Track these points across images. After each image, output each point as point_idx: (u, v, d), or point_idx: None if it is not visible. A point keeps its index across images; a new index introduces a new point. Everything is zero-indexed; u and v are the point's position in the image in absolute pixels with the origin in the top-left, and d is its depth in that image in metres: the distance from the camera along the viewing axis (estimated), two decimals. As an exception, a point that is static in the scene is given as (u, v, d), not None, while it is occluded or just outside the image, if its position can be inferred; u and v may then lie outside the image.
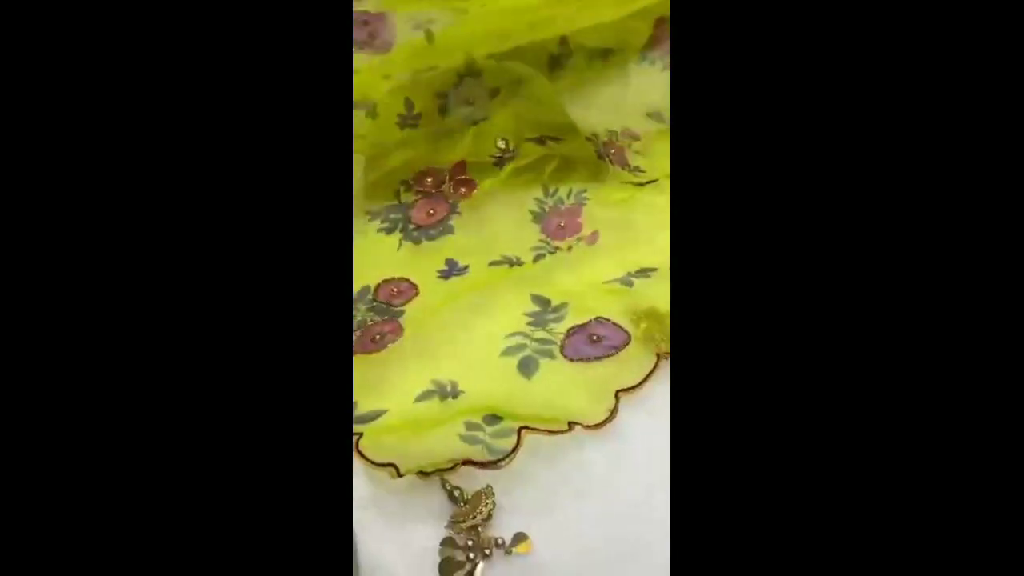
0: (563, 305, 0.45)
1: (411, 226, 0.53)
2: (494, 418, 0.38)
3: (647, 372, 0.40)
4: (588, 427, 0.38)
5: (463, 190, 0.54)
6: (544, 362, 0.42)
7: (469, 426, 0.38)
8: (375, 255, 0.51)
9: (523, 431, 0.37)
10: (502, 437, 0.37)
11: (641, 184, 0.52)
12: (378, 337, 0.45)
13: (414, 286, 0.48)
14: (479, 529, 0.34)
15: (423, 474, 0.36)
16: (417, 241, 0.52)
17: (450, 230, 0.52)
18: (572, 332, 0.43)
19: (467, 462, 0.36)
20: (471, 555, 0.33)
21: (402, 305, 0.47)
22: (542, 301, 0.46)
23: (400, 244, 0.52)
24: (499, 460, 0.36)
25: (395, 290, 0.48)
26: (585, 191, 0.53)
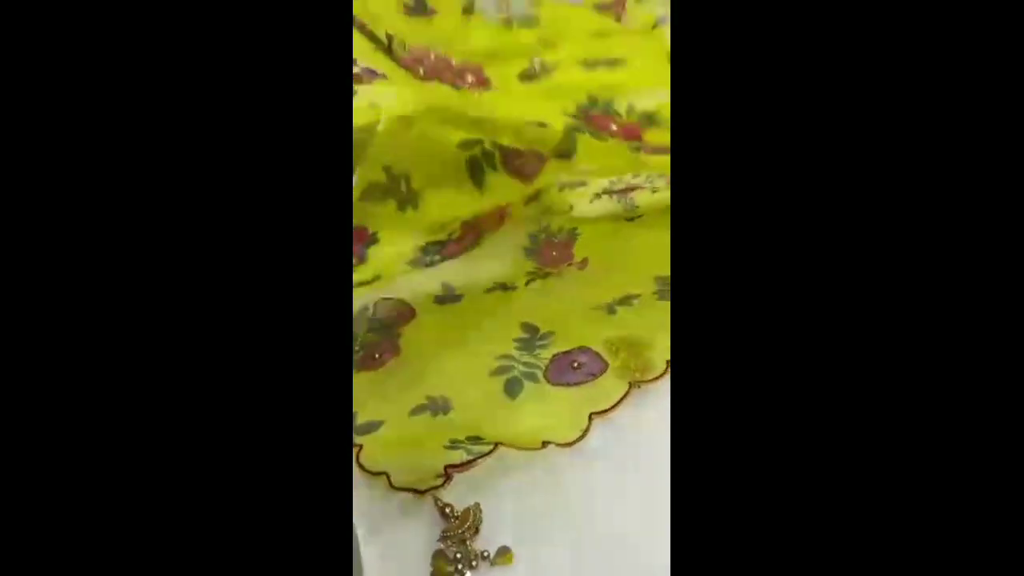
0: (550, 333, 0.49)
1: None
2: (476, 439, 0.42)
3: (619, 398, 0.44)
4: (560, 445, 0.42)
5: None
6: (528, 384, 0.46)
7: (453, 441, 0.42)
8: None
9: (499, 445, 0.42)
10: (480, 445, 0.42)
11: (630, 219, 0.56)
12: (377, 356, 0.49)
13: (412, 309, 0.52)
14: (467, 543, 0.38)
15: (417, 492, 0.40)
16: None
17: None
18: (556, 358, 0.47)
19: (448, 467, 0.40)
20: (459, 566, 0.38)
21: (400, 327, 0.51)
22: (531, 328, 0.50)
23: None
24: (475, 459, 0.41)
25: (395, 313, 0.52)
26: (576, 228, 0.56)
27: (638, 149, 0.50)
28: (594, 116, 0.50)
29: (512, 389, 0.45)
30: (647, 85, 0.52)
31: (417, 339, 0.50)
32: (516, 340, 0.49)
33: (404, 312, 0.52)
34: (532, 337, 0.49)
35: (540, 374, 0.46)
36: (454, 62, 0.50)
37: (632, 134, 0.50)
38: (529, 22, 0.55)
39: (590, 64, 0.53)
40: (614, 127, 0.50)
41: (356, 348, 0.50)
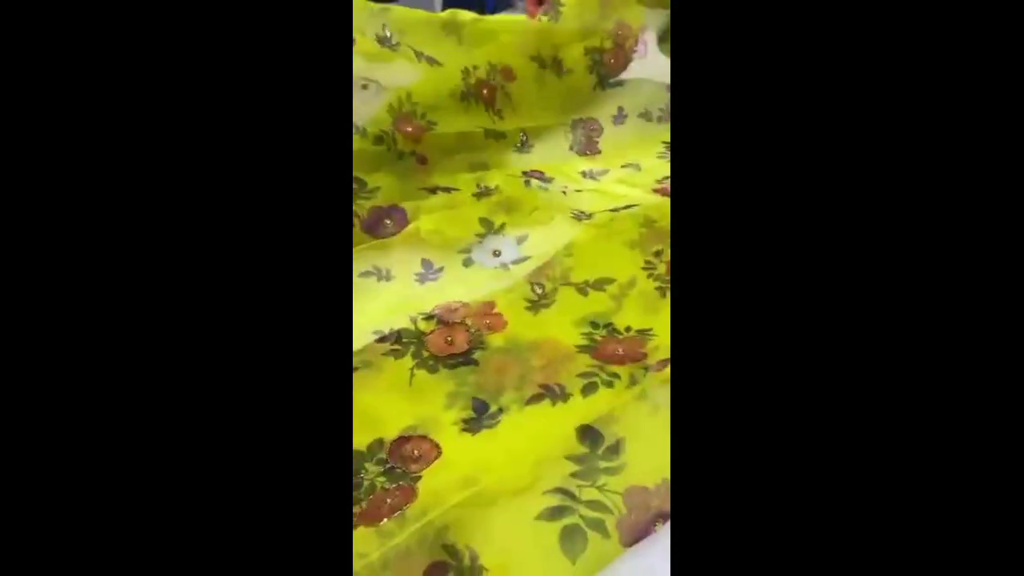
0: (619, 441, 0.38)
1: (425, 353, 0.47)
2: None
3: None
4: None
5: (488, 321, 0.49)
6: (595, 539, 0.34)
7: None
8: (384, 391, 0.45)
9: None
10: None
11: None
12: (387, 502, 0.38)
13: (436, 446, 0.41)
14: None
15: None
16: (434, 370, 0.46)
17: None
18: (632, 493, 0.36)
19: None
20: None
21: (420, 471, 0.39)
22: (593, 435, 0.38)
23: (412, 374, 0.45)
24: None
25: (415, 452, 0.41)
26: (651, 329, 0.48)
27: None
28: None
29: (571, 544, 0.34)
30: None
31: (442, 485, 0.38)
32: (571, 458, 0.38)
33: (426, 452, 0.41)
34: (593, 451, 0.38)
35: (611, 524, 0.35)
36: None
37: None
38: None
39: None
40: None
41: (360, 497, 0.39)
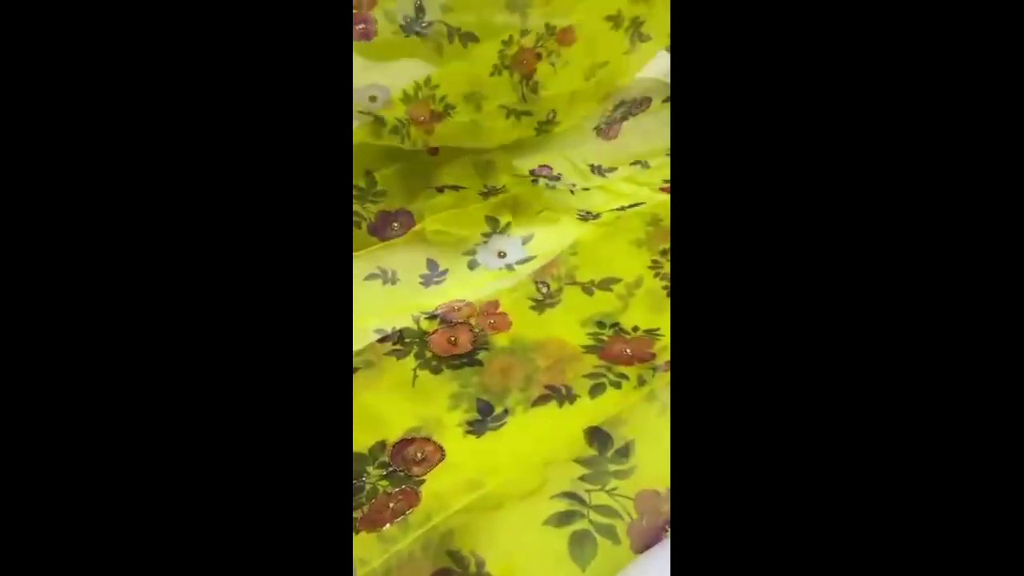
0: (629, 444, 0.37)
1: (428, 353, 0.46)
2: None
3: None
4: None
5: (492, 321, 0.48)
6: (605, 544, 0.33)
7: None
8: (386, 392, 0.44)
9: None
10: None
11: None
12: (389, 507, 0.37)
13: (440, 449, 0.40)
14: None
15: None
16: (437, 371, 0.45)
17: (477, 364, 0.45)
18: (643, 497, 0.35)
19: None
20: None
21: (423, 474, 0.38)
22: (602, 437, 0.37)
23: (415, 375, 0.45)
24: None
25: (418, 455, 0.40)
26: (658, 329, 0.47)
27: None
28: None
29: (581, 550, 0.33)
30: None
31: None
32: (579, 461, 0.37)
33: (430, 454, 0.40)
34: (601, 454, 0.37)
35: (622, 530, 0.34)
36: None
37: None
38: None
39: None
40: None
41: (361, 502, 0.38)
